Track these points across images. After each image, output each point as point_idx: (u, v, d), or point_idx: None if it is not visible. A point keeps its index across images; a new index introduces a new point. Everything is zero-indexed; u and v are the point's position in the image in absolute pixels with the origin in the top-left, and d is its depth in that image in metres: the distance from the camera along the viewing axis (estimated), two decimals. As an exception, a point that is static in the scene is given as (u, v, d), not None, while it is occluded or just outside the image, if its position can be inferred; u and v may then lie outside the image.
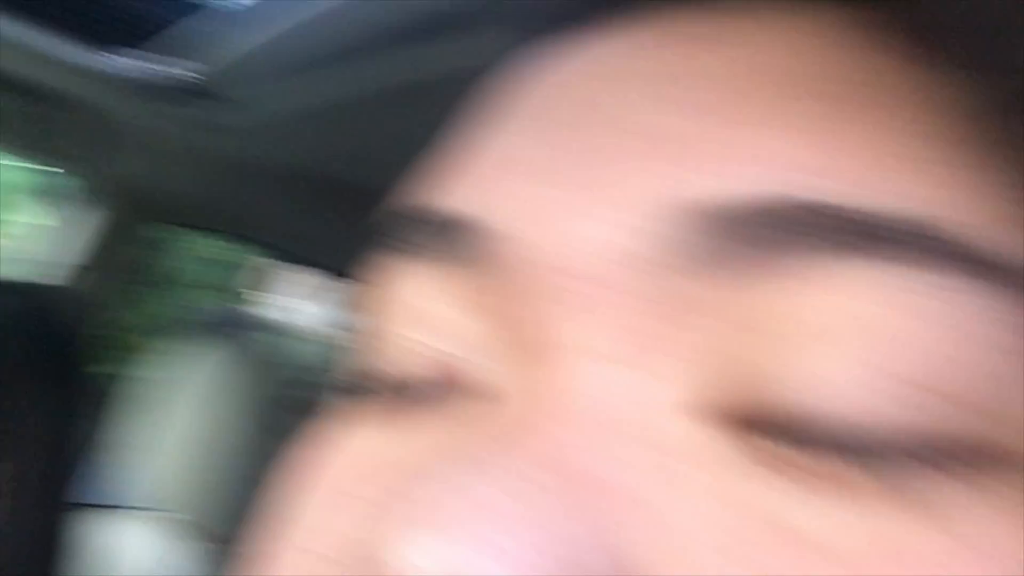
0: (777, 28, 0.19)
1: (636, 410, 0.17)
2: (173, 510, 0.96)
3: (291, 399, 1.03)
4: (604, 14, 0.22)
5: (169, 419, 0.96)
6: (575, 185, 0.19)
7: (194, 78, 0.76)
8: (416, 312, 0.21)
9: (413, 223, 0.21)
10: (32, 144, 0.99)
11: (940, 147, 0.17)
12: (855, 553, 0.15)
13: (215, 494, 0.94)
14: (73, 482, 0.90)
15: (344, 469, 0.21)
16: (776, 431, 0.16)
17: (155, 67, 0.79)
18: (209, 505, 0.94)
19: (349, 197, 1.03)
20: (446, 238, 0.20)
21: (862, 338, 0.16)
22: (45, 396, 0.86)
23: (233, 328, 1.18)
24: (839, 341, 0.16)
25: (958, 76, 0.17)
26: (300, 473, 0.22)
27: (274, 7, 0.75)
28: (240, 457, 0.94)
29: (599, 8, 0.22)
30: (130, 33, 0.82)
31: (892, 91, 0.18)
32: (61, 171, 1.08)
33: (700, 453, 0.16)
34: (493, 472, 0.16)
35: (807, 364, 0.16)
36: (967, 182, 0.17)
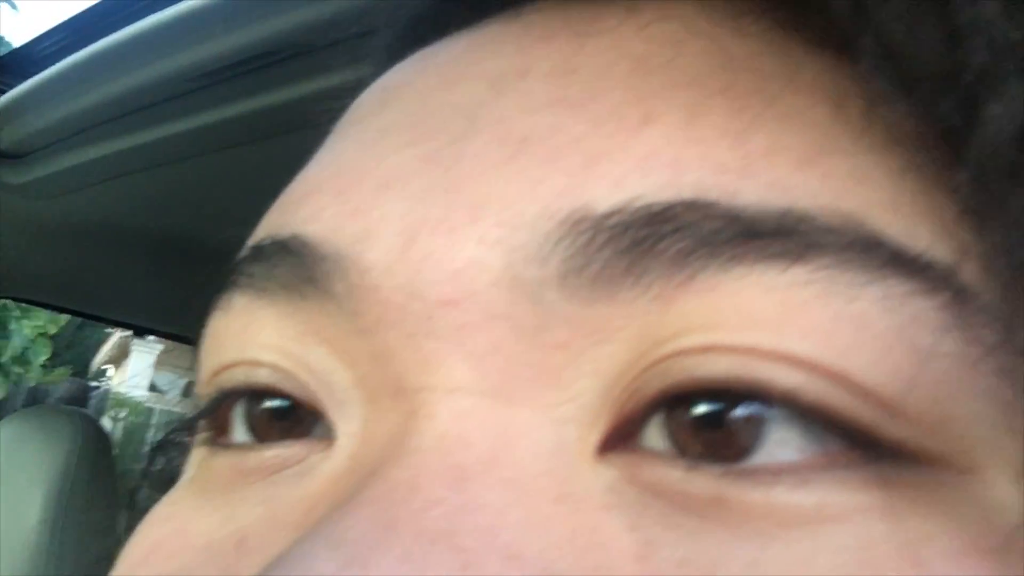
0: (646, 15, 0.18)
1: (500, 447, 0.15)
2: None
3: (126, 472, 0.99)
4: (470, 13, 0.21)
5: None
6: (441, 201, 0.17)
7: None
8: (269, 352, 0.19)
9: (258, 256, 0.20)
10: None
11: (844, 138, 0.16)
12: None
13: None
14: None
15: (172, 548, 0.19)
16: (664, 450, 0.15)
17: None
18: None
19: (176, 252, 1.01)
20: (292, 268, 0.18)
21: (783, 335, 0.14)
22: None
23: (65, 403, 1.12)
24: (760, 337, 0.14)
25: (855, 63, 0.16)
26: (138, 551, 0.20)
27: (59, 51, 0.73)
28: (59, 539, 0.89)
29: (461, 9, 0.21)
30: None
31: (790, 82, 0.16)
32: None
33: (567, 489, 0.15)
34: (319, 542, 0.14)
35: (720, 368, 0.15)
36: (875, 173, 0.15)
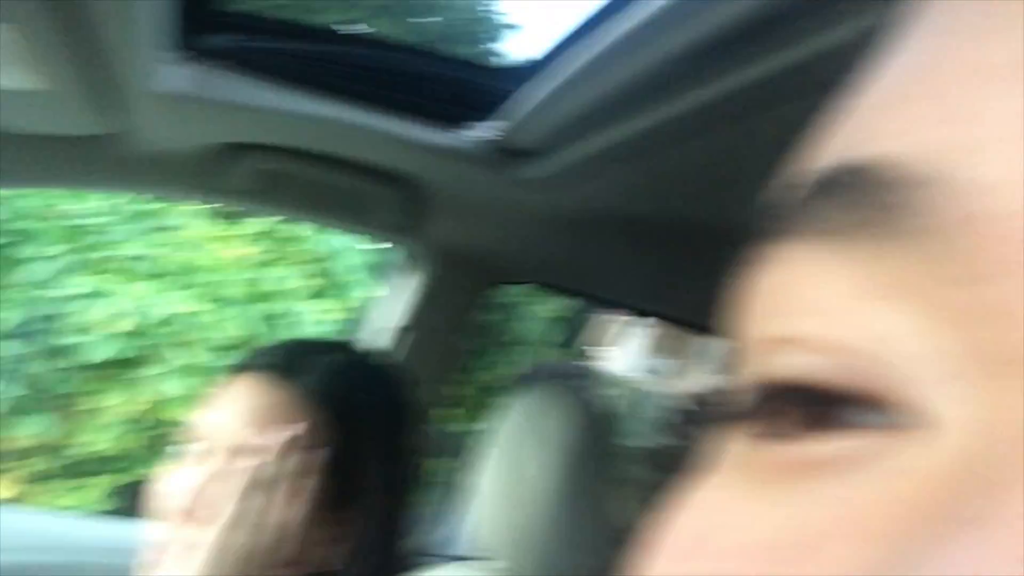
0: None
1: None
2: (498, 559, 0.98)
3: (624, 450, 1.02)
4: None
5: (496, 470, 1.00)
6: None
7: (495, 137, 0.80)
8: (815, 310, 0.16)
9: (827, 189, 0.16)
10: (363, 221, 1.10)
11: None
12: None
13: (538, 543, 0.95)
14: (407, 532, 0.96)
15: (724, 544, 0.17)
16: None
17: (461, 133, 0.84)
18: (531, 554, 0.95)
19: (679, 236, 1.02)
20: (877, 200, 0.15)
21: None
22: (383, 447, 0.93)
23: (569, 381, 1.21)
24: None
25: None
26: (681, 542, 0.18)
27: (564, 54, 0.77)
28: (563, 507, 0.95)
29: None
30: (463, 104, 0.89)
31: None
32: (389, 245, 1.18)
33: None
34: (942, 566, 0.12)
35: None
36: None
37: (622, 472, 1.01)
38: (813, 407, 0.16)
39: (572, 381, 1.21)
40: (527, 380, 1.15)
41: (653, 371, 1.88)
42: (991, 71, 0.14)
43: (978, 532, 0.12)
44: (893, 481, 0.14)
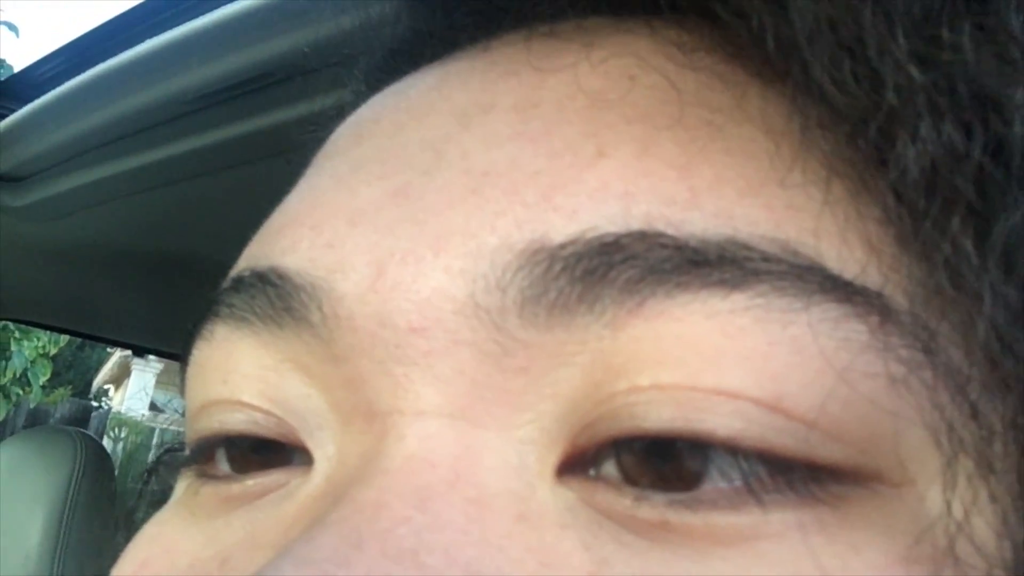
0: (603, 50, 0.19)
1: (463, 467, 0.16)
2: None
3: (131, 491, 0.99)
4: (441, 46, 0.22)
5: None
6: (408, 233, 0.18)
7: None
8: (249, 384, 0.20)
9: (238, 286, 0.20)
10: None
11: (782, 168, 0.17)
12: None
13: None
14: None
15: (159, 566, 0.20)
16: (616, 479, 0.16)
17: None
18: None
19: (172, 273, 1.01)
20: (270, 298, 0.19)
21: (722, 366, 0.15)
22: None
23: (78, 424, 1.13)
24: (701, 371, 0.15)
25: (788, 95, 0.17)
26: (127, 568, 0.21)
27: (54, 76, 0.74)
28: (59, 562, 0.90)
29: (433, 42, 0.22)
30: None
31: (735, 114, 0.17)
32: None
33: (527, 508, 0.16)
34: (288, 561, 0.15)
35: (665, 418, 0.15)
36: (810, 202, 0.16)
37: (125, 515, 0.98)
38: (239, 453, 0.21)
39: (69, 423, 1.13)
40: (15, 425, 1.05)
41: (158, 408, 1.82)
42: (354, 214, 0.19)
43: (334, 527, 0.16)
44: (284, 504, 0.19)
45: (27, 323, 1.34)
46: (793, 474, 0.15)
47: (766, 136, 0.17)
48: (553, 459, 0.16)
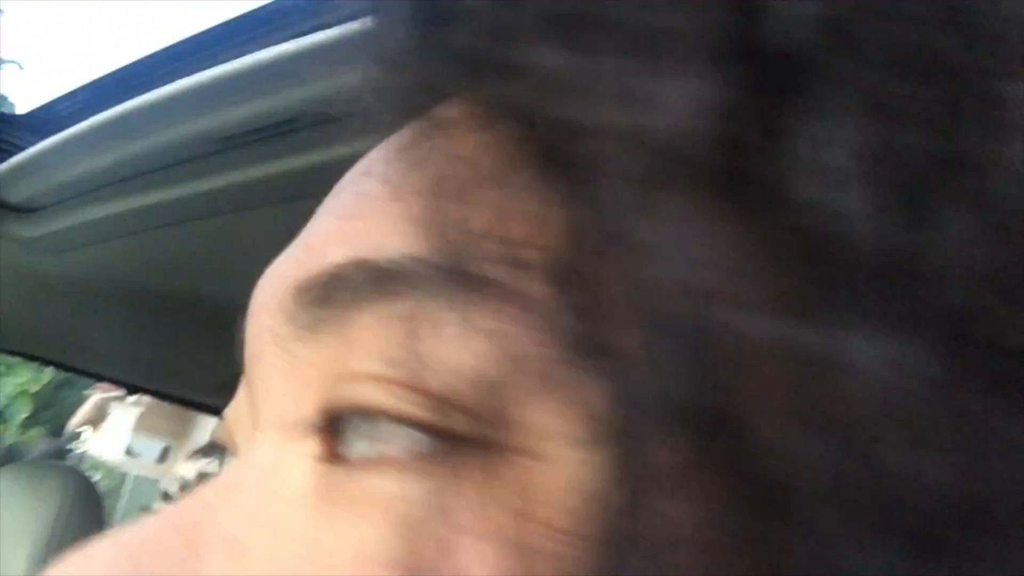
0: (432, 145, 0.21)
1: (266, 466, 0.20)
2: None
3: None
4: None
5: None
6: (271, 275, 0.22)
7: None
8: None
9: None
10: None
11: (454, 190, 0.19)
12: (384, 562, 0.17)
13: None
14: None
15: None
16: (348, 461, 0.19)
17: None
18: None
19: (170, 312, 1.01)
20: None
21: (397, 362, 0.18)
22: None
23: (43, 466, 1.13)
24: (380, 370, 0.18)
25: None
26: None
27: (70, 112, 0.76)
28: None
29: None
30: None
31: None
32: None
33: (298, 496, 0.19)
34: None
35: (366, 391, 0.19)
36: (475, 214, 0.18)
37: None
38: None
39: (46, 466, 1.12)
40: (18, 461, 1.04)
41: (134, 454, 1.80)
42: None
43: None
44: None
45: (23, 356, 1.34)
46: (435, 443, 0.18)
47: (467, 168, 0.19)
48: (325, 458, 0.19)
